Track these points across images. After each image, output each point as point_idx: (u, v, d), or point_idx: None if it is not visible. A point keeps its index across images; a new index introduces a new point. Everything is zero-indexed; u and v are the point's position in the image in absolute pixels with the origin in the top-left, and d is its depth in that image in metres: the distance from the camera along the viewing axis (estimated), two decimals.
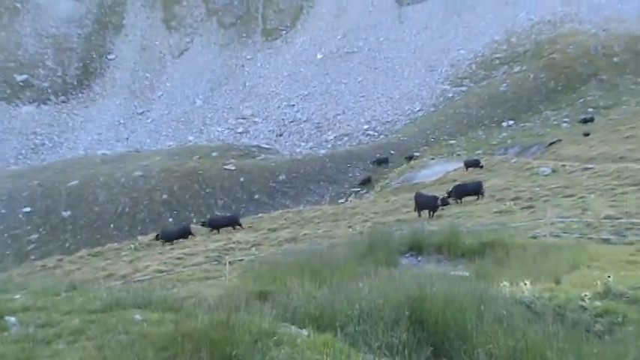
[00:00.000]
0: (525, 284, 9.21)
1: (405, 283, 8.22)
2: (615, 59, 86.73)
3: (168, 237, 33.60)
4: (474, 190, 32.42)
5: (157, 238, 34.55)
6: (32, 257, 48.55)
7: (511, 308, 7.47)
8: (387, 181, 59.12)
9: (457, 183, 35.71)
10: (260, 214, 46.54)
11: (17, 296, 7.34)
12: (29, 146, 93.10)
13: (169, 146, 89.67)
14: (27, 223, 57.42)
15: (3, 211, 58.88)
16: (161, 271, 20.63)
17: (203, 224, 37.55)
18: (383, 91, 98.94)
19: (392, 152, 72.18)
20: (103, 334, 5.76)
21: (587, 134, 55.11)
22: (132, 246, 34.29)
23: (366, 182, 62.45)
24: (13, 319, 6.19)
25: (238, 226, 35.86)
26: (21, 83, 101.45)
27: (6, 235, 55.96)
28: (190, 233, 34.32)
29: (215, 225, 36.28)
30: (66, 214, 58.63)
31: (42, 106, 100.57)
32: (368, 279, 9.38)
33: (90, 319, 6.24)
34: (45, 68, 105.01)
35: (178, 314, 6.44)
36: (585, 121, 66.97)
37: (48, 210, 59.21)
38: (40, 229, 56.86)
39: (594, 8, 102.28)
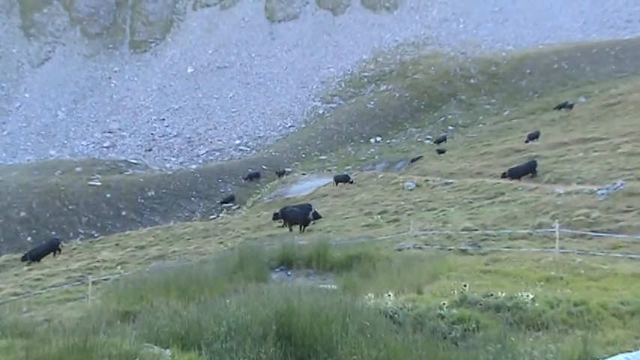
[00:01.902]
0: (389, 295, 9.56)
1: (273, 297, 8.20)
2: (472, 81, 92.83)
3: None
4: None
5: None
6: None
7: (375, 319, 7.70)
8: (259, 196, 59.17)
9: (285, 207, 34.58)
10: (127, 232, 44.85)
11: None
12: None
13: (28, 161, 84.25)
14: None
15: None
16: (17, 294, 19.23)
17: (24, 259, 32.82)
18: (255, 107, 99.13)
19: (264, 167, 72.35)
20: None
21: (441, 152, 58.17)
22: None
23: (230, 200, 61.72)
24: None
25: (57, 252, 33.71)
26: None
27: None
28: None
29: (36, 257, 32.63)
30: None
31: None
32: (237, 295, 9.33)
33: None
34: None
35: (30, 339, 6.03)
36: (439, 141, 70.30)
37: None
38: None
39: (452, 33, 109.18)
